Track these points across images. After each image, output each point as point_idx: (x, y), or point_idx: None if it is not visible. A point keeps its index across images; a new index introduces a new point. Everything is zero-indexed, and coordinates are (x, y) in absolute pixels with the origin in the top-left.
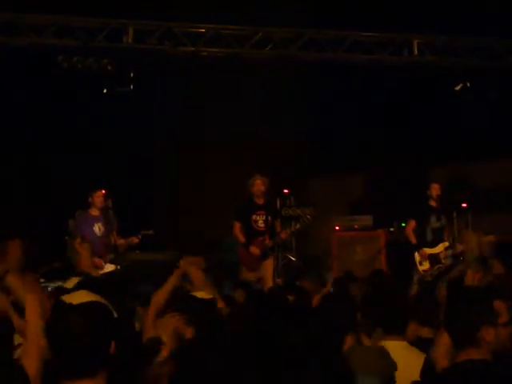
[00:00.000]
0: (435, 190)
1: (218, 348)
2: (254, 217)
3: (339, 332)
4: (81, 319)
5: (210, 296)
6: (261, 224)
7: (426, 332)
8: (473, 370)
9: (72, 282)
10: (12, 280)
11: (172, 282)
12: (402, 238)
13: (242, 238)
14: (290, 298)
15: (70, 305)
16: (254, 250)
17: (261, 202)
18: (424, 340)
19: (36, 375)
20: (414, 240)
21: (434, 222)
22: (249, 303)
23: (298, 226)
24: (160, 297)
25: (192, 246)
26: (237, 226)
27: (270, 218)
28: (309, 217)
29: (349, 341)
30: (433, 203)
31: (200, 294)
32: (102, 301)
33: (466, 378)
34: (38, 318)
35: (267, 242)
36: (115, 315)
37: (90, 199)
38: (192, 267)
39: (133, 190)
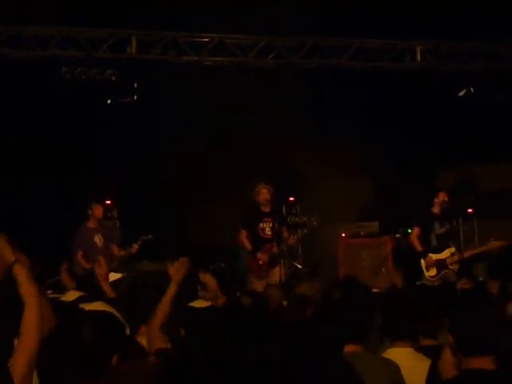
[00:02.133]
0: (442, 197)
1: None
2: (261, 225)
3: (336, 339)
4: (89, 325)
5: (208, 303)
6: (268, 232)
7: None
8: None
9: (70, 296)
10: (19, 272)
11: (170, 292)
12: (408, 244)
13: (248, 246)
14: (285, 302)
15: (83, 310)
16: (262, 256)
17: (267, 209)
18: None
19: (24, 375)
20: (419, 247)
21: (437, 229)
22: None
23: (305, 231)
24: (162, 308)
25: (201, 256)
26: (243, 234)
27: (276, 225)
28: (315, 224)
29: (354, 349)
30: (436, 210)
31: (198, 304)
32: (116, 314)
33: None
34: (36, 319)
35: (274, 249)
36: (127, 331)
37: (89, 211)
38: (206, 276)
39: (138, 200)
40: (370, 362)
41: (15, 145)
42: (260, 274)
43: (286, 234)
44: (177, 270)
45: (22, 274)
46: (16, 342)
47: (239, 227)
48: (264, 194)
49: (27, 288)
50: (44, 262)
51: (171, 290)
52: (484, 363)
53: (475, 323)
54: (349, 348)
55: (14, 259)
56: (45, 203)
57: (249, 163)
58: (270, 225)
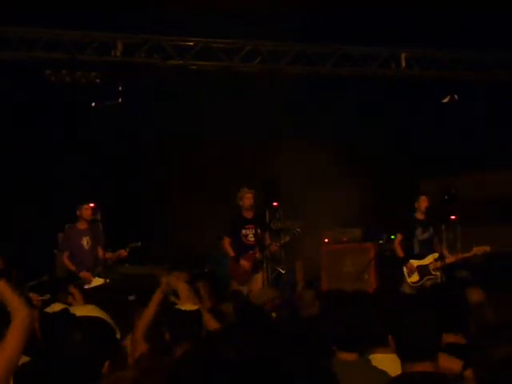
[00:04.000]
0: (423, 201)
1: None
2: (243, 231)
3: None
4: (81, 331)
5: (196, 307)
6: (250, 238)
7: None
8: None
9: (55, 308)
10: (3, 288)
11: (157, 298)
12: (392, 251)
13: (231, 252)
14: (274, 314)
15: (74, 317)
16: (245, 263)
17: (250, 215)
18: None
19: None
20: (401, 253)
21: (420, 235)
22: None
23: (288, 238)
24: (148, 314)
25: (181, 260)
26: (226, 240)
27: (259, 231)
28: (298, 229)
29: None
30: (419, 215)
31: (185, 306)
32: (108, 319)
33: None
34: (21, 332)
35: (257, 255)
36: (118, 335)
37: (78, 212)
38: (178, 281)
39: (122, 203)
40: (365, 372)
41: None
42: (241, 279)
43: (268, 240)
44: (175, 280)
45: (6, 290)
46: None
47: (223, 234)
48: (248, 198)
49: (13, 302)
50: (23, 265)
51: (157, 297)
52: (424, 368)
53: (415, 329)
54: (343, 356)
55: None
56: (24, 205)
57: (233, 168)
58: (253, 231)
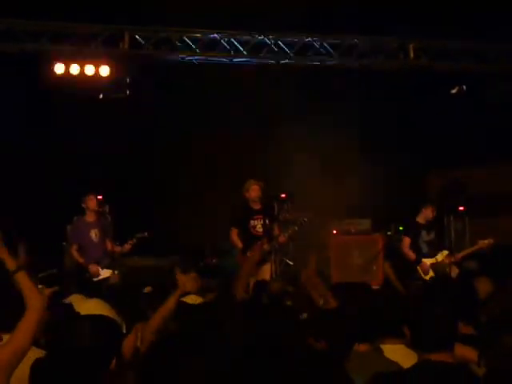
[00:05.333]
0: (430, 212)
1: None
2: (251, 222)
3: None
4: (87, 331)
5: (200, 300)
6: (259, 228)
7: None
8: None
9: (73, 299)
10: (22, 278)
11: (176, 298)
12: (400, 241)
13: (239, 244)
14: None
15: (80, 315)
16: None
17: (257, 206)
18: None
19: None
20: (412, 256)
21: (425, 236)
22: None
23: (296, 228)
24: (165, 311)
25: (190, 252)
26: (234, 231)
27: (267, 221)
28: (305, 220)
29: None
30: (421, 220)
31: (190, 299)
32: (114, 316)
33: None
34: (34, 322)
35: (265, 246)
36: (123, 329)
37: (83, 205)
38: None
39: (131, 196)
40: (377, 362)
41: (6, 138)
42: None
43: (277, 231)
44: (185, 283)
45: (25, 281)
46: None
47: (230, 225)
48: (255, 190)
49: (30, 293)
50: (34, 256)
51: (173, 299)
52: (443, 358)
53: (435, 319)
54: (356, 347)
55: (15, 267)
56: (33, 198)
57: (240, 159)
58: (261, 222)
